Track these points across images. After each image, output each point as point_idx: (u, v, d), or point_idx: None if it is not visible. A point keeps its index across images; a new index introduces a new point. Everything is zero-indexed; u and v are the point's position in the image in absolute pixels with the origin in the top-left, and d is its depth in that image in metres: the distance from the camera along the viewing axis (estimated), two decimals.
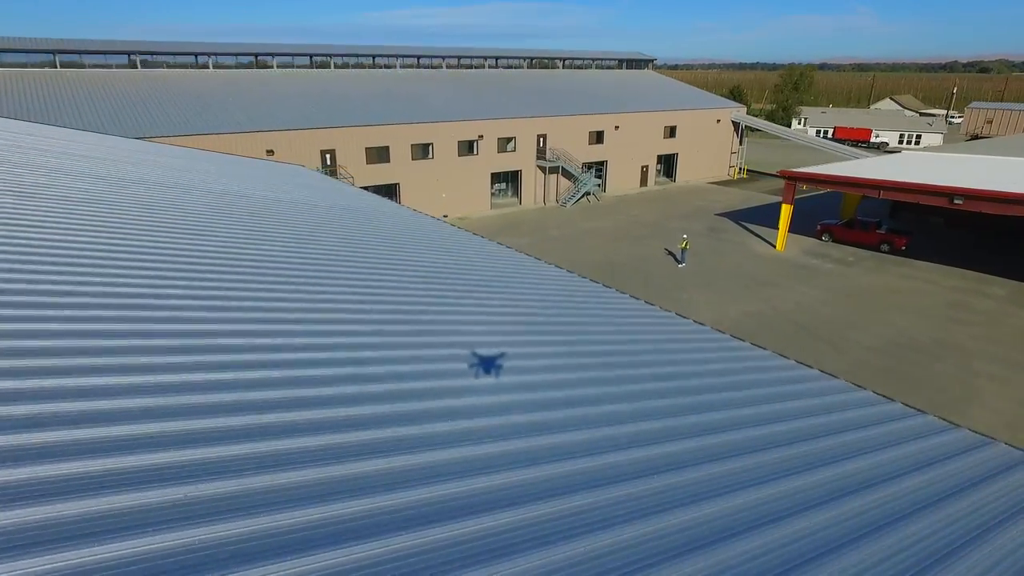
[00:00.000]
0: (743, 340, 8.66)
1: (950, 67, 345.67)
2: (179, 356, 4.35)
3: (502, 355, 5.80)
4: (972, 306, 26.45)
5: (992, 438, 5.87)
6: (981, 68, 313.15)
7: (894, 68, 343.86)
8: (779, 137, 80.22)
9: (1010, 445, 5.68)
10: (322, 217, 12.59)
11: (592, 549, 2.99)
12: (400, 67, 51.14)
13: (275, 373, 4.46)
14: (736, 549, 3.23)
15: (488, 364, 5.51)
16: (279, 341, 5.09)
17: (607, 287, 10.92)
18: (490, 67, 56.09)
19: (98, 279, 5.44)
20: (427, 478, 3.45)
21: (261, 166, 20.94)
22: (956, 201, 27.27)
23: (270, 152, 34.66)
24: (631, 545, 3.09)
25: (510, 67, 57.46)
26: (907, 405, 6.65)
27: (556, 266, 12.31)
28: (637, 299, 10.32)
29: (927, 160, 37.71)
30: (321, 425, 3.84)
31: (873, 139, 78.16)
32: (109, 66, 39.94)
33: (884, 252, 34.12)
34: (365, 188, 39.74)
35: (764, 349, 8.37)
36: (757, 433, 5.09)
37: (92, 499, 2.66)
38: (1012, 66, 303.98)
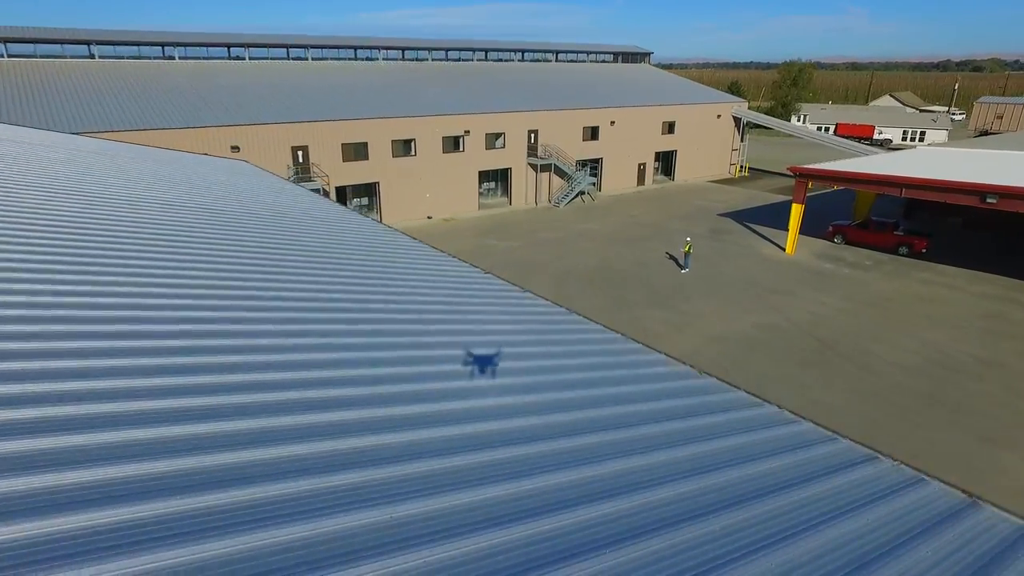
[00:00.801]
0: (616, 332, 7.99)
1: (943, 66, 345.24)
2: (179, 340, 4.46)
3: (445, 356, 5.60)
4: (1009, 316, 23.85)
5: (878, 452, 4.91)
6: (974, 67, 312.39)
7: (887, 67, 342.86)
8: (779, 134, 77.79)
9: (897, 461, 4.75)
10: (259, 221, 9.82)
11: (479, 548, 2.79)
12: (383, 60, 48.25)
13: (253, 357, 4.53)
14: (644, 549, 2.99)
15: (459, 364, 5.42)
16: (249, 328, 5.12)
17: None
18: (479, 60, 53.22)
19: None
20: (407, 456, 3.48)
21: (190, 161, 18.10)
22: (989, 200, 24.68)
23: (235, 148, 31.77)
24: (521, 545, 2.87)
25: (500, 60, 54.61)
26: (783, 408, 5.79)
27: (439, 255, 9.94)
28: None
29: (945, 156, 35.17)
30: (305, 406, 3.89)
31: (876, 135, 75.87)
32: (64, 56, 36.90)
33: (902, 255, 31.56)
34: (342, 187, 37.03)
35: (638, 343, 7.71)
36: (637, 433, 4.63)
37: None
38: (1004, 65, 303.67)
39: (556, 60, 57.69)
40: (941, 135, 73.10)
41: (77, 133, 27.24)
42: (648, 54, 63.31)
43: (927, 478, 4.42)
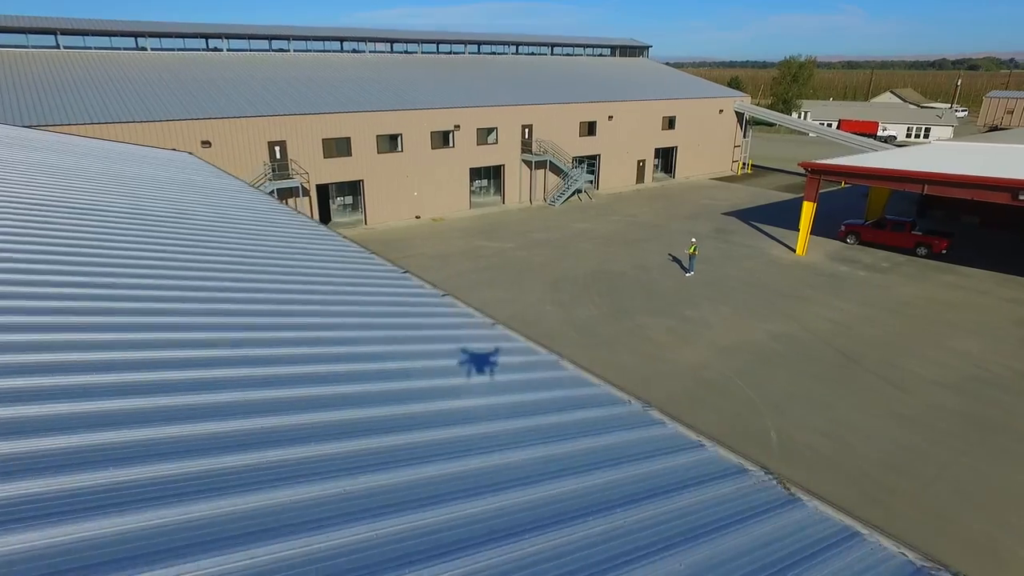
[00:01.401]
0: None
1: (939, 64, 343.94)
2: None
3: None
4: None
5: (746, 462, 4.19)
6: (970, 65, 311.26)
7: (884, 65, 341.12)
8: (782, 130, 75.90)
9: (767, 472, 4.10)
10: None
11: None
12: (370, 53, 46.01)
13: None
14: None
15: None
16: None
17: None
18: (471, 54, 51.02)
19: None
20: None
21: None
22: (1022, 197, 22.71)
23: (206, 144, 29.57)
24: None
25: (493, 54, 52.41)
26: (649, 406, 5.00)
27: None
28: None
29: (962, 151, 33.19)
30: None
31: (880, 132, 73.98)
32: (26, 47, 34.57)
33: (920, 256, 29.57)
34: (323, 186, 34.84)
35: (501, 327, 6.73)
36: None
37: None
38: (1000, 63, 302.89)
39: (551, 54, 55.52)
40: (946, 131, 71.29)
41: (29, 126, 25.08)
42: (647, 48, 61.15)
43: (803, 499, 3.89)
